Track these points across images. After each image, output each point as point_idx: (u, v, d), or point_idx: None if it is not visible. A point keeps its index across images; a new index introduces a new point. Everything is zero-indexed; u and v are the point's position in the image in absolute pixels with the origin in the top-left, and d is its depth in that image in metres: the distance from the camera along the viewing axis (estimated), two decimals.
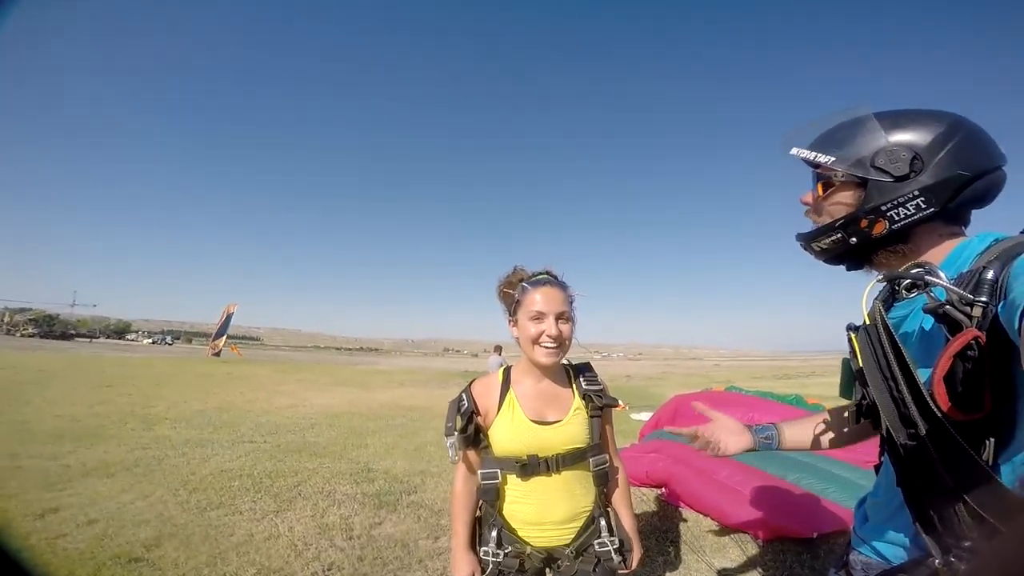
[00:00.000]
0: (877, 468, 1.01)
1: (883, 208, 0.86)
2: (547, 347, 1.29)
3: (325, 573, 2.72)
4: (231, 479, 4.48)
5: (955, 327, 0.72)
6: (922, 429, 0.71)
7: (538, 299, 1.31)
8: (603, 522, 1.37)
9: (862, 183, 0.88)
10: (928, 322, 0.81)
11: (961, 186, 0.83)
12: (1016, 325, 0.61)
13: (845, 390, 1.06)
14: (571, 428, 1.34)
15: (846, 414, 1.13)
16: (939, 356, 0.70)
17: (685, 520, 3.62)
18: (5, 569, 0.79)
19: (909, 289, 0.83)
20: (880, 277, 0.87)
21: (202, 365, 23.00)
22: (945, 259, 0.85)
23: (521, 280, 1.37)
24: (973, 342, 0.67)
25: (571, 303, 1.37)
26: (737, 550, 3.12)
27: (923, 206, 0.84)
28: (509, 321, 1.39)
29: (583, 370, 1.45)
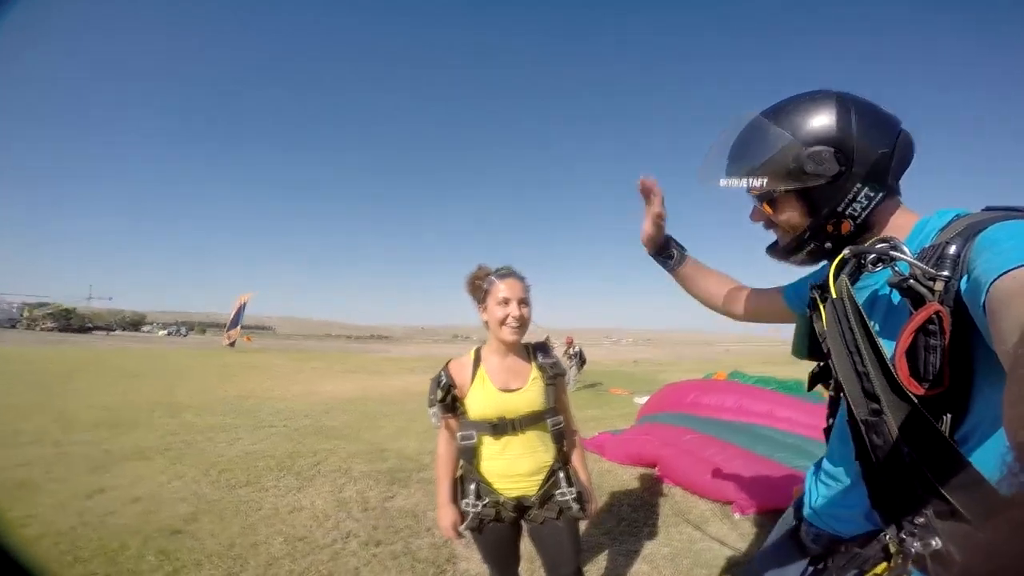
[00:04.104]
0: (827, 432, 1.03)
1: (839, 209, 0.87)
2: (512, 326, 1.60)
3: (344, 540, 3.05)
4: (256, 460, 4.88)
5: (918, 301, 0.72)
6: (884, 404, 0.72)
7: (504, 288, 1.61)
8: (562, 475, 1.67)
9: (804, 191, 0.89)
10: (895, 296, 0.81)
11: (889, 162, 0.85)
12: (980, 303, 0.62)
13: (798, 349, 1.07)
14: (531, 394, 1.64)
15: (766, 297, 1.24)
16: (901, 330, 0.71)
17: (672, 496, 3.91)
18: (5, 569, 0.80)
19: (875, 263, 0.82)
20: (847, 252, 0.85)
21: (218, 355, 23.62)
22: (908, 235, 0.85)
23: (487, 275, 1.67)
24: (935, 316, 0.68)
25: (528, 291, 1.67)
26: (719, 523, 3.40)
27: (872, 195, 0.86)
28: (479, 308, 1.69)
29: (540, 348, 1.75)
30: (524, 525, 1.73)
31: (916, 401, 0.69)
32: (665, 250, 1.33)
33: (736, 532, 3.22)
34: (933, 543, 0.70)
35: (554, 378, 1.70)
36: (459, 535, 1.69)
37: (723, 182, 0.95)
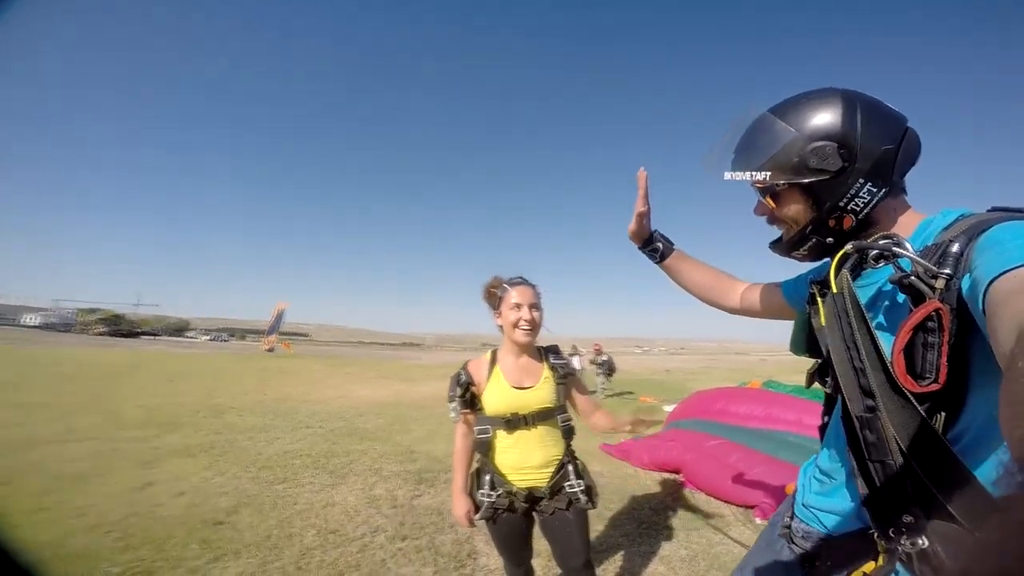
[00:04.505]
0: (822, 431, 1.04)
1: (841, 204, 0.87)
2: (523, 329, 1.74)
3: (372, 534, 3.21)
4: (293, 458, 5.11)
5: (919, 298, 0.71)
6: (879, 400, 0.71)
7: (516, 294, 1.77)
8: (571, 468, 1.78)
9: (807, 186, 0.89)
10: (897, 293, 0.80)
11: (893, 159, 0.85)
12: (980, 302, 0.61)
13: (796, 344, 1.08)
14: (542, 392, 1.76)
15: (763, 292, 1.26)
16: (899, 327, 0.71)
17: (695, 501, 3.94)
18: (5, 569, 0.80)
19: (877, 259, 0.81)
20: (849, 247, 0.84)
21: (258, 360, 24.39)
22: (912, 234, 0.84)
23: (501, 283, 1.82)
24: (934, 314, 0.67)
25: (539, 297, 1.82)
26: (741, 527, 3.42)
27: (874, 190, 0.85)
28: (495, 314, 1.83)
29: (551, 350, 1.88)
30: (536, 518, 1.83)
31: (912, 399, 0.68)
32: (650, 243, 1.36)
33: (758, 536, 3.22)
34: (920, 542, 0.69)
35: (564, 377, 1.81)
36: (472, 524, 1.82)
37: (727, 175, 0.96)
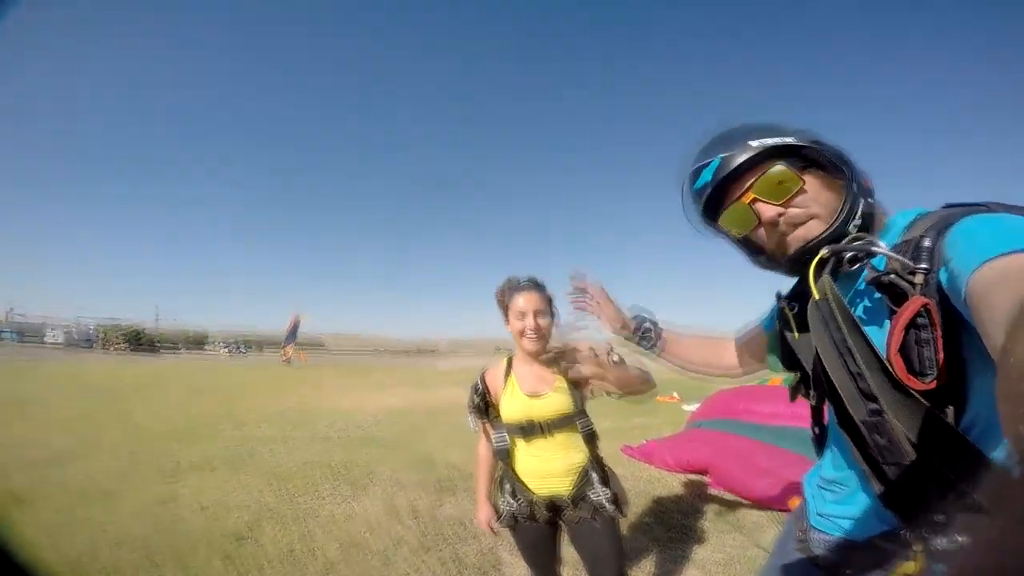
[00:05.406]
0: (817, 440, 1.02)
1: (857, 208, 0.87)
2: (530, 337, 1.67)
3: (395, 546, 3.16)
4: (313, 469, 5.07)
5: (898, 297, 0.72)
6: (884, 403, 0.71)
7: (520, 302, 1.69)
8: (594, 475, 1.70)
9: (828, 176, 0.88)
10: (873, 294, 0.79)
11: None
12: (962, 294, 0.62)
13: (772, 365, 1.09)
14: (557, 398, 1.69)
15: (752, 339, 1.22)
16: (891, 327, 0.70)
17: (724, 503, 3.83)
18: (5, 569, 0.81)
19: (852, 262, 0.82)
20: (825, 251, 0.82)
21: (275, 371, 24.61)
22: (878, 235, 0.85)
23: (509, 289, 1.75)
24: (923, 310, 0.68)
25: (550, 302, 1.74)
26: (774, 530, 3.27)
27: (871, 201, 0.86)
28: (505, 321, 1.77)
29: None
30: (564, 527, 1.77)
31: (921, 397, 0.68)
32: (638, 330, 1.36)
33: None
34: (956, 539, 0.68)
35: (575, 383, 1.72)
36: (493, 531, 1.80)
37: (755, 143, 0.87)
